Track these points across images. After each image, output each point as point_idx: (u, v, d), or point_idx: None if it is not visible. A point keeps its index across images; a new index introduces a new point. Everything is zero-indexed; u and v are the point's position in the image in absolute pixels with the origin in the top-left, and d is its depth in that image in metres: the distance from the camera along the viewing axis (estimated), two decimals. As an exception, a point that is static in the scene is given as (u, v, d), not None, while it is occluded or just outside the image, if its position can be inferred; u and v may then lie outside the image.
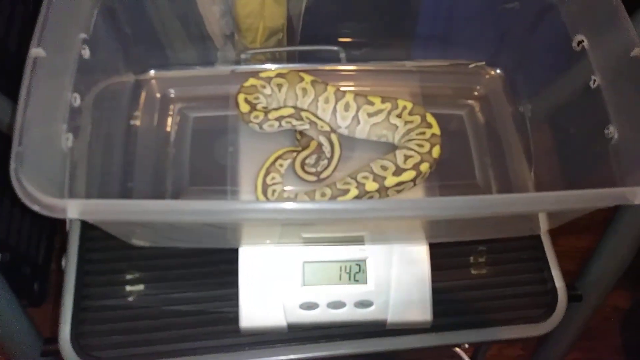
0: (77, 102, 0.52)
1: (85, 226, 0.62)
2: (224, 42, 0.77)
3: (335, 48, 0.73)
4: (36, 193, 0.40)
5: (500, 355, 1.24)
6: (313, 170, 0.63)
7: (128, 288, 0.61)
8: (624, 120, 0.52)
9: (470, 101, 0.73)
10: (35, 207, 0.40)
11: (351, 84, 0.73)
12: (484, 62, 0.75)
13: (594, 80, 0.56)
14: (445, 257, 0.64)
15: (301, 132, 0.66)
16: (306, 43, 0.77)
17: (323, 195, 0.60)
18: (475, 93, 0.74)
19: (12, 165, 0.41)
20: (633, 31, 0.52)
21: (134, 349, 0.58)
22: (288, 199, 0.61)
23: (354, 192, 0.59)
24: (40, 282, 1.06)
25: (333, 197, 0.59)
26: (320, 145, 0.64)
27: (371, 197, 0.60)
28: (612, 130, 0.53)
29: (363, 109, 0.65)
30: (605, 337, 1.32)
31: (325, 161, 0.63)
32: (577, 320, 0.72)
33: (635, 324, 1.33)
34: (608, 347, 1.30)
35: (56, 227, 1.15)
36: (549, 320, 0.64)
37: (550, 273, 0.65)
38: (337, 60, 0.74)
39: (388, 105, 0.65)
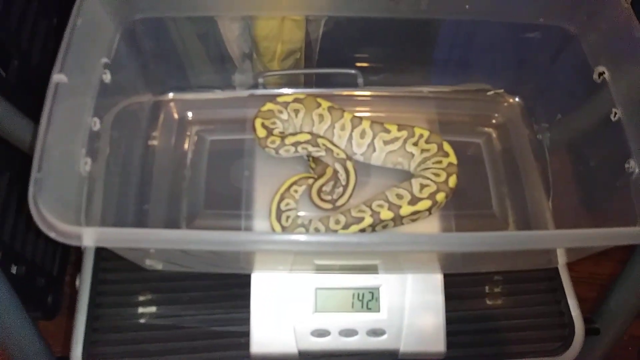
0: (97, 126, 0.52)
1: (100, 247, 0.62)
2: (242, 61, 0.78)
3: (353, 71, 0.73)
4: (53, 220, 0.40)
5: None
6: (329, 197, 0.63)
7: (140, 310, 0.61)
8: (645, 156, 0.52)
9: (487, 129, 0.73)
10: (52, 234, 0.40)
11: (368, 109, 0.73)
12: (502, 90, 0.74)
13: (615, 113, 0.56)
14: (460, 287, 0.63)
15: (315, 159, 0.66)
16: (324, 67, 0.77)
17: (337, 222, 0.59)
18: (493, 121, 0.74)
19: (31, 191, 0.41)
20: (655, 65, 0.52)
21: (144, 372, 0.58)
22: (302, 226, 0.61)
23: (368, 220, 0.59)
24: (54, 295, 1.06)
25: (347, 225, 0.59)
26: (335, 172, 0.64)
27: (386, 226, 0.60)
28: (632, 165, 0.52)
29: (379, 137, 0.65)
30: (623, 365, 1.29)
31: (341, 189, 0.63)
32: (595, 355, 0.70)
33: (653, 353, 1.30)
34: (626, 377, 1.27)
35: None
36: (566, 354, 0.62)
37: (568, 305, 0.63)
38: (354, 84, 0.74)
39: (404, 133, 0.65)
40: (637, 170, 0.52)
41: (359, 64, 0.74)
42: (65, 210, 0.45)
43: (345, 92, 0.74)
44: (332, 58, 0.76)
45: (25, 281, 0.94)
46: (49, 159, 0.44)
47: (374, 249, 0.44)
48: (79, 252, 0.63)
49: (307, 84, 0.77)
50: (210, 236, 0.41)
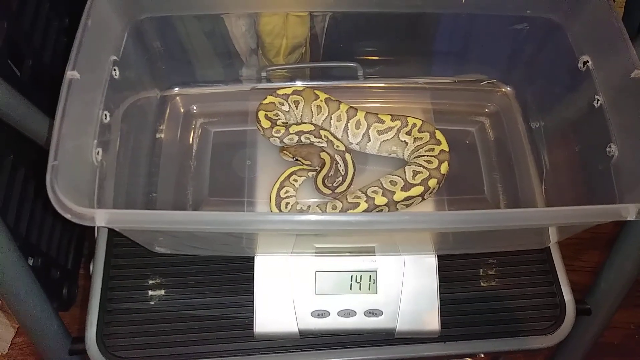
0: (107, 119, 0.56)
1: (112, 233, 0.66)
2: (249, 56, 0.81)
3: (354, 65, 0.76)
4: (68, 203, 0.44)
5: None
6: (330, 184, 0.66)
7: (150, 293, 0.64)
8: (624, 139, 0.54)
9: (481, 117, 0.76)
10: (68, 216, 0.44)
11: (367, 100, 0.75)
12: (495, 80, 0.77)
13: (597, 100, 0.58)
14: (455, 269, 0.66)
15: (305, 156, 0.67)
16: (326, 60, 0.80)
17: (334, 208, 0.63)
18: (486, 110, 0.76)
19: (48, 178, 0.45)
20: (634, 53, 0.54)
21: (154, 350, 0.62)
22: (300, 212, 0.64)
23: (363, 205, 0.62)
24: (69, 286, 1.10)
25: (344, 210, 0.62)
26: (334, 162, 0.67)
27: (380, 211, 0.63)
28: (613, 149, 0.55)
29: (373, 127, 0.68)
30: (630, 354, 1.31)
31: (340, 178, 0.66)
32: (588, 334, 0.73)
33: (660, 341, 1.30)
34: (632, 364, 1.29)
35: (85, 233, 1.20)
36: (557, 332, 0.65)
37: (559, 286, 0.66)
38: (355, 77, 0.77)
39: (398, 123, 0.68)
40: (616, 153, 0.54)
41: (359, 57, 0.76)
42: (80, 195, 0.48)
43: (345, 84, 0.76)
44: (335, 52, 0.78)
45: (41, 273, 0.98)
46: (63, 148, 0.48)
47: (364, 228, 0.47)
48: (92, 244, 0.66)
49: (313, 78, 0.79)
50: (212, 217, 0.45)
